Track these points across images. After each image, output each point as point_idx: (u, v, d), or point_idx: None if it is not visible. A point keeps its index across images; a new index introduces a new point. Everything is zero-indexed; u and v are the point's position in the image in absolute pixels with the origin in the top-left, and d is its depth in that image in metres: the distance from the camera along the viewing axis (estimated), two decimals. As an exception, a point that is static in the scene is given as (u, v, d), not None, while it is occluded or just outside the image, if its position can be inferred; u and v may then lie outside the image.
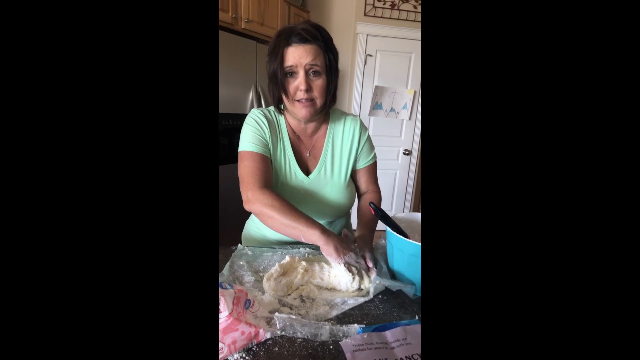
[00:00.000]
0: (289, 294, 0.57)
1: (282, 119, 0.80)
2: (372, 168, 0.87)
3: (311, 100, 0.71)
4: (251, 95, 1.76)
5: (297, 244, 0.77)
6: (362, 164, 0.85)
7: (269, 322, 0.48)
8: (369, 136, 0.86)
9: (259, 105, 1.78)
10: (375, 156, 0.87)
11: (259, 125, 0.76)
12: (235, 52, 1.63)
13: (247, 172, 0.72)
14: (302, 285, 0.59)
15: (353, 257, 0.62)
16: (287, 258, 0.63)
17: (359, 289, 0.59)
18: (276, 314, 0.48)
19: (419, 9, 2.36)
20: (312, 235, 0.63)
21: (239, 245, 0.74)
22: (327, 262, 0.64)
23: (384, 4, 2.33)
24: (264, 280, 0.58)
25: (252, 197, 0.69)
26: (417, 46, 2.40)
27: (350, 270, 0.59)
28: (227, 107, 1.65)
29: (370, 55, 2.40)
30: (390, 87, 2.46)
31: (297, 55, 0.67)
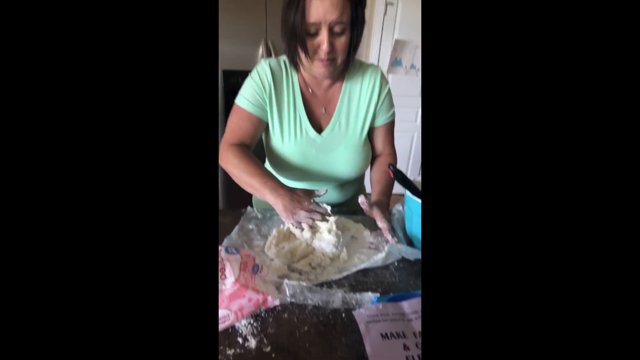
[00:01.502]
0: (297, 261, 0.54)
1: (294, 72, 0.72)
2: (390, 127, 0.79)
3: (332, 59, 0.63)
4: (261, 50, 1.64)
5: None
6: (381, 121, 0.77)
7: (279, 287, 0.46)
8: (389, 90, 0.77)
9: (270, 62, 1.67)
10: (394, 114, 0.79)
11: (262, 82, 0.70)
12: (241, 2, 1.50)
13: (229, 128, 0.72)
14: (310, 254, 0.55)
15: (304, 215, 0.57)
16: (286, 224, 0.59)
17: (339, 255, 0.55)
18: (285, 280, 0.45)
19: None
20: (264, 195, 0.61)
21: (249, 207, 0.71)
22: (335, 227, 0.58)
23: (409, -60, 2.05)
24: (266, 248, 0.56)
25: (222, 154, 0.70)
26: (445, -8, 2.14)
27: (301, 228, 0.56)
28: (235, 63, 1.55)
29: (392, 4, 2.17)
30: (412, 40, 2.24)
31: (321, 11, 0.57)
